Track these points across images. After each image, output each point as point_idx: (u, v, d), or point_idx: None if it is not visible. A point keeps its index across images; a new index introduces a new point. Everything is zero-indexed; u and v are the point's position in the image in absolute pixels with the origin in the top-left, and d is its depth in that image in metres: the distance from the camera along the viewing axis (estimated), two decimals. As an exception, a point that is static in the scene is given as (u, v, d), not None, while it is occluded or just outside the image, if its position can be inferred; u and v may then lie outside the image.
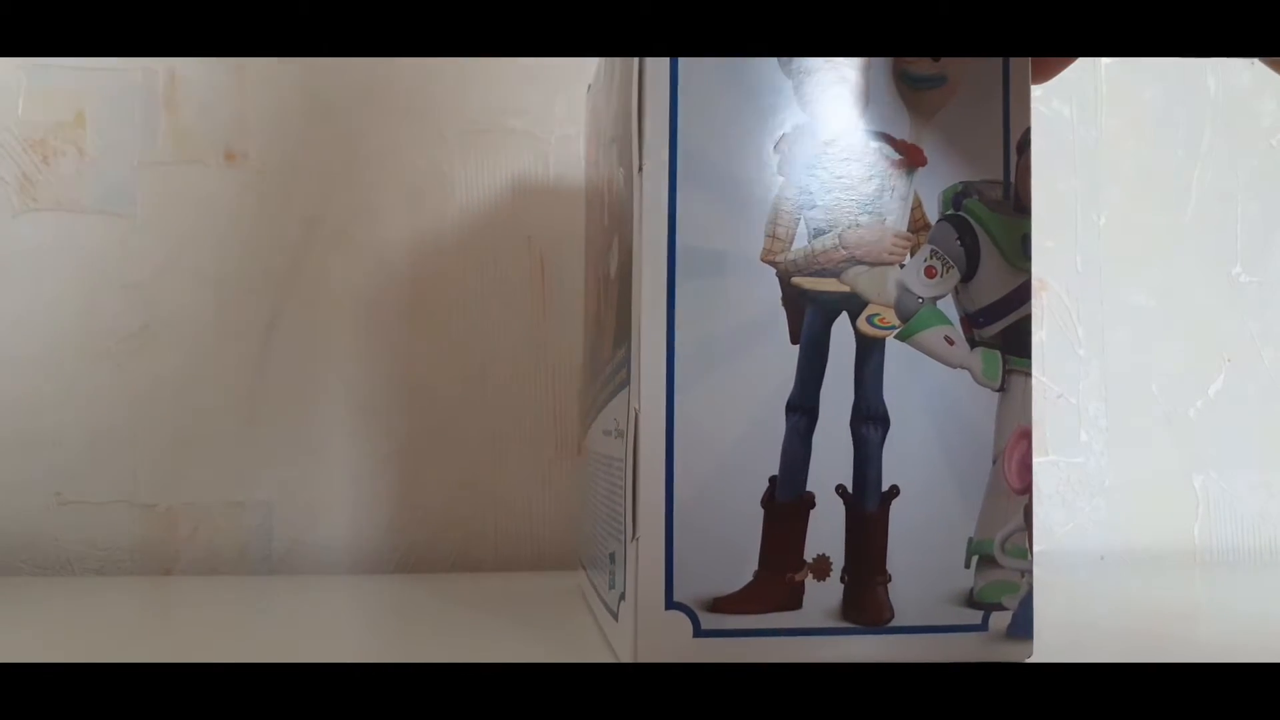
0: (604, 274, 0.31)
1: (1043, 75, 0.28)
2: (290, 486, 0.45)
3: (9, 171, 0.45)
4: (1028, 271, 0.26)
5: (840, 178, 0.25)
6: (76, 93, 0.45)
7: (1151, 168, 0.51)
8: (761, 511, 0.25)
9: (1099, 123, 0.51)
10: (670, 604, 0.24)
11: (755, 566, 0.25)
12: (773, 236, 0.25)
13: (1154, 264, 0.51)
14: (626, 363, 0.26)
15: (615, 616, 0.27)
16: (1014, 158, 0.26)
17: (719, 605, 0.25)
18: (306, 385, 0.46)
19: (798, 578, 0.25)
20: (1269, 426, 0.51)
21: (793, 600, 0.25)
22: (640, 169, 0.25)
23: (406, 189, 0.47)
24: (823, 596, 0.25)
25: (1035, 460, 0.49)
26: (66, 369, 0.45)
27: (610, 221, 0.30)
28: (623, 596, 0.26)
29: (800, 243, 0.25)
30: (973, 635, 0.25)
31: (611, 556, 0.28)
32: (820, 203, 0.25)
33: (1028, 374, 0.26)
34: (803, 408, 0.25)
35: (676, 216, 0.25)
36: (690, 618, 0.25)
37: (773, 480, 0.25)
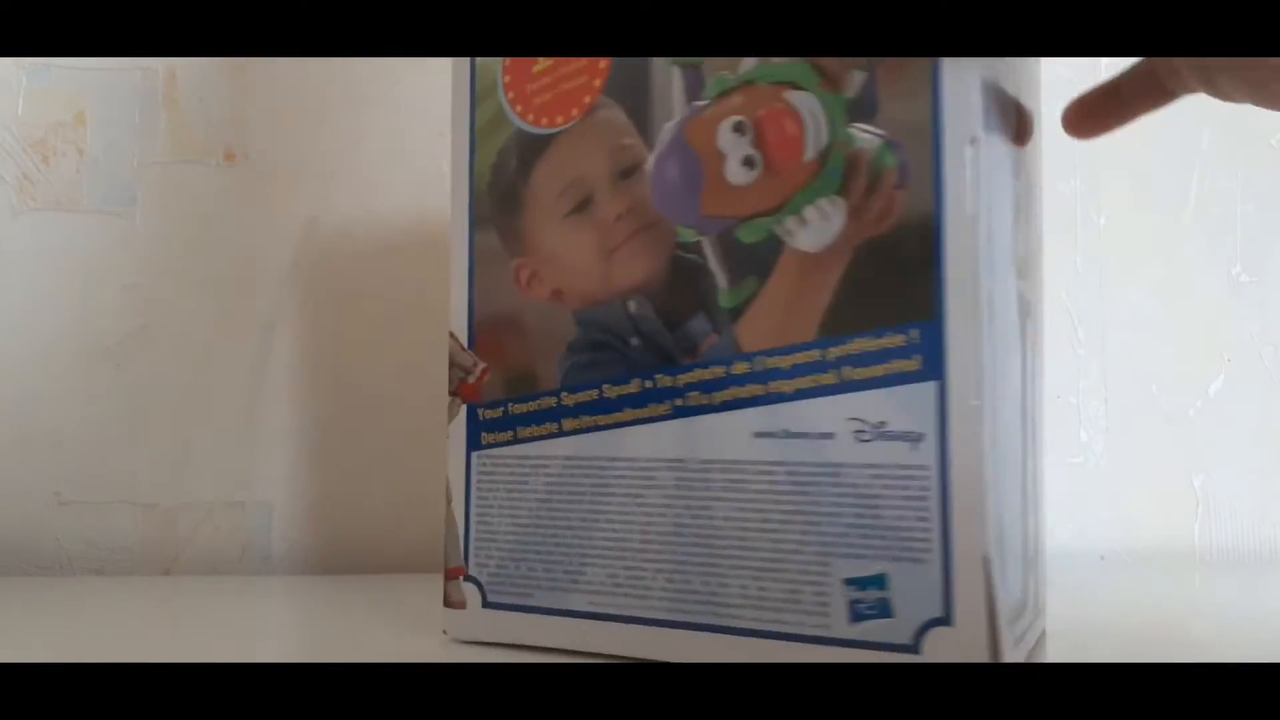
0: (731, 242, 0.27)
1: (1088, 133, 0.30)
2: (290, 486, 0.45)
3: (9, 171, 0.45)
4: None
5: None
6: (76, 93, 0.45)
7: (1151, 168, 0.51)
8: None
9: (1099, 123, 0.51)
10: (1008, 629, 0.24)
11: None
12: (1015, 236, 0.27)
13: (1154, 264, 0.51)
14: (915, 350, 0.24)
15: (915, 648, 0.24)
16: None
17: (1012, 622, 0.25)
18: (306, 385, 0.46)
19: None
20: (1269, 426, 0.51)
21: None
22: (974, 140, 0.23)
23: (406, 189, 0.46)
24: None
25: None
26: (66, 369, 0.45)
27: (813, 182, 0.25)
28: (941, 621, 0.24)
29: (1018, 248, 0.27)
30: None
31: (880, 581, 0.25)
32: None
33: None
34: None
35: (1012, 193, 0.25)
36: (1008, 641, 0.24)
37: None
